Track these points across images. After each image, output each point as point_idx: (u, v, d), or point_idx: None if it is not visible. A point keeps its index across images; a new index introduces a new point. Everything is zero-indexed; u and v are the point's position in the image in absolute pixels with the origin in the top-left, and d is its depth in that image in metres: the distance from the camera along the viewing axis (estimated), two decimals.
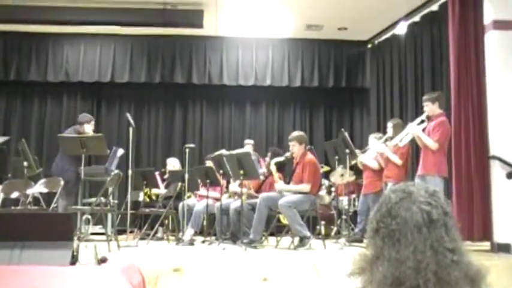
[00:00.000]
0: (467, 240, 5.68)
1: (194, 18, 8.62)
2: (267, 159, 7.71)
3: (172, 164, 8.89)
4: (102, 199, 6.66)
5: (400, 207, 1.39)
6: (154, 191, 8.66)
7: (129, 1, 8.47)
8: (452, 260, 1.34)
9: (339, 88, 10.72)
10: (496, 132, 6.26)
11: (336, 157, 7.29)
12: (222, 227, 7.34)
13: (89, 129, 7.75)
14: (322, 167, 8.12)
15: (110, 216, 7.73)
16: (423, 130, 6.27)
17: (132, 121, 7.25)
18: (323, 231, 7.71)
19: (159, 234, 8.10)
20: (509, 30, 6.37)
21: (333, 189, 8.86)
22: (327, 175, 8.82)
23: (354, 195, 8.49)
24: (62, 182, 7.08)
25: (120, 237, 6.69)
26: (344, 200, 8.26)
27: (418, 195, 1.40)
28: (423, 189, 1.43)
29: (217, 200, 7.47)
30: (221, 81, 10.43)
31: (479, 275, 1.37)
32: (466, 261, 1.37)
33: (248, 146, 8.82)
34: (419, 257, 1.33)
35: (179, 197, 7.74)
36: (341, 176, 8.03)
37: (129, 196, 7.19)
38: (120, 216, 8.12)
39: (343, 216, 7.76)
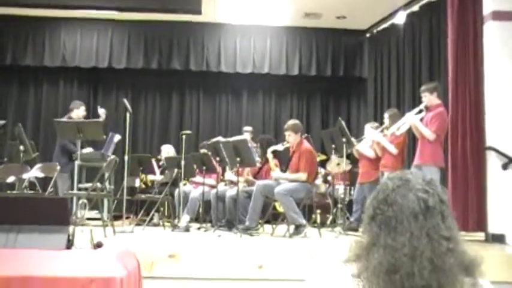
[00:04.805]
0: (462, 231, 5.70)
1: (192, 4, 8.55)
2: (258, 149, 7.71)
3: (167, 150, 8.89)
4: (99, 184, 6.66)
5: (396, 194, 1.39)
6: (150, 177, 8.66)
7: None
8: (448, 248, 1.34)
9: (336, 77, 10.71)
10: (493, 123, 6.27)
11: (333, 146, 7.30)
12: (217, 214, 7.36)
13: (76, 115, 7.76)
14: (318, 156, 8.12)
15: (106, 201, 7.74)
16: (421, 120, 6.28)
17: (129, 107, 7.23)
18: (319, 220, 7.74)
19: (155, 220, 8.11)
20: (508, 21, 6.36)
21: (329, 177, 8.87)
22: (323, 164, 8.82)
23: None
24: (58, 167, 7.09)
25: (116, 222, 6.69)
26: (340, 189, 8.28)
27: (415, 182, 1.40)
28: (420, 177, 1.44)
29: (213, 187, 7.48)
30: (219, 68, 10.41)
31: (474, 263, 1.38)
32: (461, 249, 1.37)
33: (247, 134, 8.82)
34: (415, 244, 1.33)
35: (175, 183, 7.75)
36: (337, 164, 8.05)
37: (125, 182, 7.18)
38: (116, 201, 8.12)
39: (339, 205, 7.78)
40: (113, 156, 6.89)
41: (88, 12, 9.46)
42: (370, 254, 1.37)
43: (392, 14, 9.41)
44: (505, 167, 6.12)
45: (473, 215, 6.21)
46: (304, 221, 6.55)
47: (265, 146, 7.37)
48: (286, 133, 6.98)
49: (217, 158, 7.13)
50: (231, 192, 7.20)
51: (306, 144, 6.96)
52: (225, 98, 10.95)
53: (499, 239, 5.99)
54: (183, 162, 7.50)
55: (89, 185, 7.43)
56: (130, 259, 3.59)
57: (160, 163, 8.68)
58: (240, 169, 6.98)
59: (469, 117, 6.35)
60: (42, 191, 7.50)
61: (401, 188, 1.40)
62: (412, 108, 7.01)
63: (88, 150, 7.79)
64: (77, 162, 7.00)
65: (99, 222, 6.43)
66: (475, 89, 6.40)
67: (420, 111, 6.36)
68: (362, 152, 7.63)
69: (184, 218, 7.31)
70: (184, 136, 7.78)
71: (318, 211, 7.87)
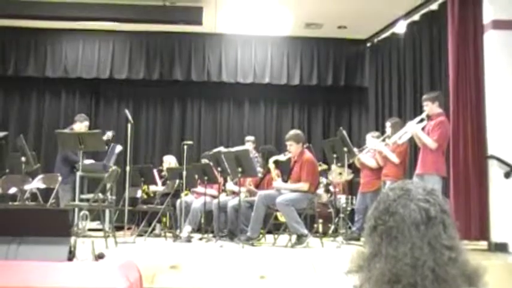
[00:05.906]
0: (464, 240, 5.68)
1: (193, 15, 8.59)
2: (260, 159, 7.70)
3: (169, 161, 8.90)
4: (100, 195, 6.66)
5: (397, 204, 1.39)
6: (152, 188, 8.66)
7: None
8: (450, 257, 1.34)
9: (337, 86, 10.71)
10: (494, 131, 6.27)
11: (334, 155, 7.29)
12: (219, 225, 7.34)
13: (78, 128, 7.77)
14: (320, 165, 8.11)
15: (107, 212, 7.73)
16: (423, 129, 6.27)
17: (130, 117, 7.24)
18: (321, 230, 7.71)
19: (157, 231, 8.10)
20: (509, 30, 6.38)
21: (330, 187, 8.85)
22: (325, 173, 8.81)
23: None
24: (60, 178, 7.09)
25: (117, 233, 6.69)
26: (342, 199, 8.26)
27: (415, 192, 1.40)
28: (421, 187, 1.43)
29: (215, 197, 7.47)
30: (220, 78, 10.43)
31: (476, 273, 1.37)
32: (463, 259, 1.37)
33: (248, 143, 8.82)
34: (416, 254, 1.33)
35: (177, 194, 7.74)
36: (339, 174, 8.04)
37: (127, 193, 7.18)
38: (118, 212, 8.12)
39: (341, 215, 7.76)
40: (114, 167, 6.90)
41: (89, 23, 9.50)
42: (372, 265, 1.36)
43: (392, 24, 9.43)
44: (507, 175, 6.11)
45: (476, 223, 6.19)
46: (306, 231, 6.53)
47: (267, 156, 7.37)
48: (288, 143, 6.98)
49: (219, 169, 7.12)
50: (232, 202, 7.19)
51: (308, 154, 6.96)
52: (227, 107, 10.96)
53: (501, 247, 5.97)
54: (184, 173, 7.50)
55: (90, 195, 7.43)
56: (132, 270, 3.58)
57: (162, 174, 8.68)
58: (242, 179, 6.97)
59: (471, 126, 6.35)
60: (44, 202, 7.49)
61: (402, 198, 1.39)
62: (413, 117, 7.01)
63: (89, 161, 7.79)
64: (79, 173, 7.00)
65: (101, 233, 6.42)
66: (476, 97, 6.40)
67: (422, 120, 6.36)
68: (364, 161, 7.62)
69: (186, 229, 7.29)
70: (185, 146, 7.77)
71: (320, 221, 7.85)
